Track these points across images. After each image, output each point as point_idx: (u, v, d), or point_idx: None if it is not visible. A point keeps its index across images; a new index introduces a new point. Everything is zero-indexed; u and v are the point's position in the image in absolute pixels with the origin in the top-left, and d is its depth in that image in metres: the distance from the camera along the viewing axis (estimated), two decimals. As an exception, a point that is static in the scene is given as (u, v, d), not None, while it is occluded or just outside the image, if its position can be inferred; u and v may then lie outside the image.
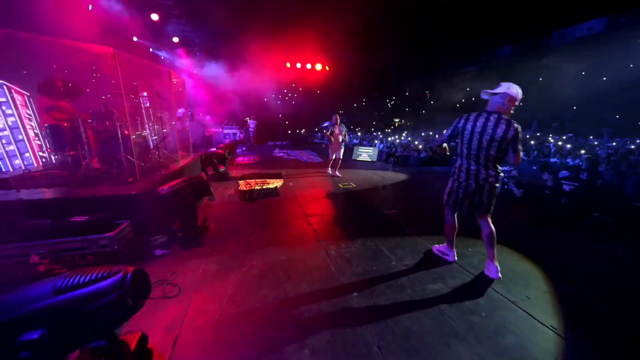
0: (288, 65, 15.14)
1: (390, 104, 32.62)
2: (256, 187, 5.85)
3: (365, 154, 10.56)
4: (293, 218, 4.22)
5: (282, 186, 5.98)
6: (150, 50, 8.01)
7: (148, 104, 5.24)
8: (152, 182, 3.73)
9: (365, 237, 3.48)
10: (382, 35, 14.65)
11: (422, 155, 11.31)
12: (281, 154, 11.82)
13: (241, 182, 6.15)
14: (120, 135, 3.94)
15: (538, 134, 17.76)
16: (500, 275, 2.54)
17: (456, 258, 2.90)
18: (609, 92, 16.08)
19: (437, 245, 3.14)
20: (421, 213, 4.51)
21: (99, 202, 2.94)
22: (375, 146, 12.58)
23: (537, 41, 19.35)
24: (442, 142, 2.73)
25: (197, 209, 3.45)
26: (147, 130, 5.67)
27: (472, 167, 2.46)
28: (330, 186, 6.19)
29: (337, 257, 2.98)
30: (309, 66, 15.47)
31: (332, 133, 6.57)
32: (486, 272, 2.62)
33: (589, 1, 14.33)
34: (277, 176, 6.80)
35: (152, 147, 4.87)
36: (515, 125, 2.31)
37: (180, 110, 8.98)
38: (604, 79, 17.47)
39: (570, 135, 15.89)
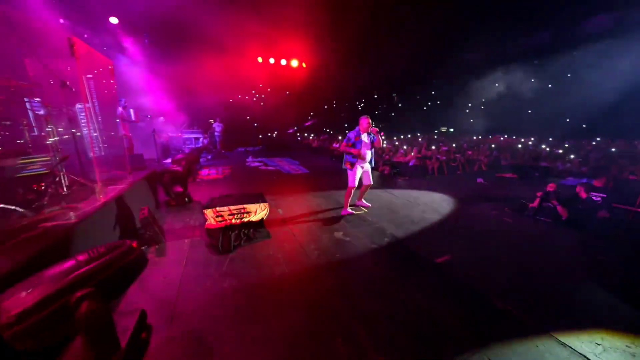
0: (260, 60, 13.27)
1: (360, 106, 31.80)
2: (233, 221, 4.00)
3: (357, 162, 9.11)
4: (306, 296, 2.54)
5: (268, 216, 4.26)
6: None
7: (39, 102, 3.08)
8: (17, 263, 1.78)
9: (446, 337, 1.95)
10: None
11: (411, 163, 10.25)
12: (256, 164, 9.93)
13: (209, 213, 4.18)
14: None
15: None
16: None
17: None
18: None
19: None
20: (491, 260, 3.11)
21: None
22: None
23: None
24: None
25: (114, 327, 1.59)
26: (53, 140, 3.52)
27: None
28: (333, 213, 4.61)
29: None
30: (283, 62, 13.75)
31: (354, 146, 4.39)
32: None
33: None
34: (259, 199, 4.83)
35: (49, 173, 2.82)
36: None
37: (120, 109, 6.73)
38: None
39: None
